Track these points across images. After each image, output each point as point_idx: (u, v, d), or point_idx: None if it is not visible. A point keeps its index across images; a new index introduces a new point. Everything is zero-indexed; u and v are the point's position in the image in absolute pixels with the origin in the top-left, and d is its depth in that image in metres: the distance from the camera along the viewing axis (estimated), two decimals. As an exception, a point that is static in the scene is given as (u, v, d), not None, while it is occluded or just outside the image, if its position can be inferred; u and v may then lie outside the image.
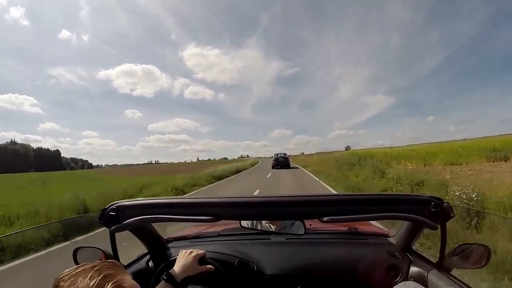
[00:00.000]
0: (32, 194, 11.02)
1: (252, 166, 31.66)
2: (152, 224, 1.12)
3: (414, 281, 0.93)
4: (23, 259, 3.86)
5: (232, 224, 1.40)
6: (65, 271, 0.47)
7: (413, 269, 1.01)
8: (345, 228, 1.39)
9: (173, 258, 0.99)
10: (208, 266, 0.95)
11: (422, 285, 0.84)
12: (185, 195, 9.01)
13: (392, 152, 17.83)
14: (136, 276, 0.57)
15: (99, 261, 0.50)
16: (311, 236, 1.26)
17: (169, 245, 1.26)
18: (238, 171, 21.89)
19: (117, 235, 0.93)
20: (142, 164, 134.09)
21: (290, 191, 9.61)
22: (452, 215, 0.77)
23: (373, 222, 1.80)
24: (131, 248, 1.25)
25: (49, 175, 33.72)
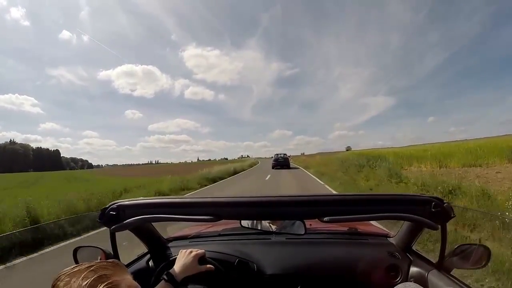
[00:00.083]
0: (7, 196, 9.38)
1: (251, 167, 30.46)
2: (152, 223, 1.12)
3: (414, 281, 0.93)
4: None
5: (232, 224, 1.40)
6: (63, 270, 0.47)
7: (413, 269, 1.01)
8: (345, 228, 1.39)
9: (173, 257, 0.99)
10: (208, 265, 0.95)
11: (422, 285, 0.84)
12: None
13: (403, 153, 15.98)
14: (136, 275, 0.57)
15: (99, 261, 0.50)
16: (311, 236, 1.26)
17: (169, 244, 1.26)
18: (235, 172, 20.63)
19: (116, 234, 0.93)
20: (142, 164, 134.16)
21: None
22: (452, 216, 0.77)
23: (373, 222, 1.80)
24: (131, 248, 1.25)
25: (43, 175, 33.53)
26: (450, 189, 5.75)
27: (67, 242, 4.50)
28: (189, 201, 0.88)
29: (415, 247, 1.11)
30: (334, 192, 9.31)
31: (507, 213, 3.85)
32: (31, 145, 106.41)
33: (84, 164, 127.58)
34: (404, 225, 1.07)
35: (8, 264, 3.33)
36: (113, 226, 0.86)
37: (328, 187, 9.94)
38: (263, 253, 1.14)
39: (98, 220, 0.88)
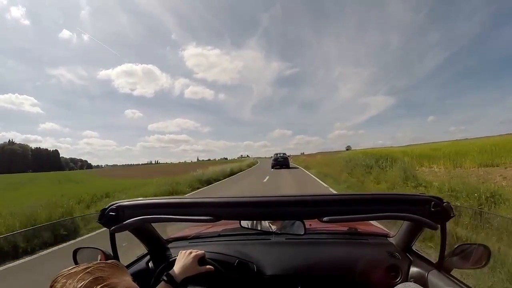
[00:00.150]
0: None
1: (250, 167, 29.25)
2: (152, 224, 1.12)
3: (414, 281, 0.93)
4: None
5: (232, 224, 1.40)
6: (61, 271, 0.47)
7: (413, 269, 1.01)
8: (345, 228, 1.39)
9: (173, 258, 0.99)
10: (208, 266, 0.94)
11: (422, 285, 0.84)
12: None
13: (412, 152, 14.42)
14: (136, 276, 0.57)
15: (97, 262, 0.49)
16: (311, 236, 1.26)
17: (169, 245, 1.26)
18: (231, 173, 19.37)
19: (116, 235, 0.92)
20: (142, 164, 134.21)
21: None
22: (452, 215, 0.77)
23: (373, 222, 1.80)
24: (131, 249, 1.24)
25: (38, 176, 33.16)
26: (488, 195, 4.74)
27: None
28: (189, 202, 0.88)
29: (415, 247, 1.11)
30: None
31: None
32: (30, 146, 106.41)
33: (83, 165, 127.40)
34: (404, 225, 1.07)
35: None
36: (113, 227, 0.86)
37: (333, 191, 8.55)
38: (263, 253, 1.14)
39: (98, 221, 0.87)
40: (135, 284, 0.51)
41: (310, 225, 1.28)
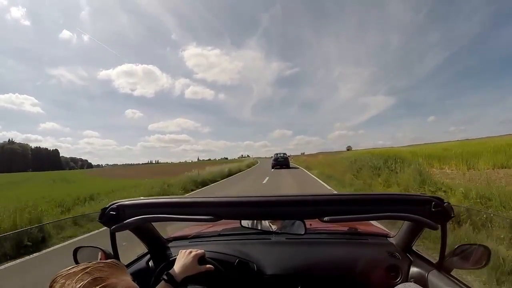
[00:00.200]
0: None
1: (249, 167, 28.50)
2: (152, 223, 1.12)
3: (415, 281, 0.93)
4: None
5: (232, 224, 1.40)
6: (60, 271, 0.47)
7: (413, 269, 1.01)
8: (345, 228, 1.39)
9: (173, 258, 0.99)
10: (208, 266, 0.94)
11: (422, 285, 0.84)
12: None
13: (421, 152, 13.28)
14: (136, 276, 0.57)
15: (97, 262, 0.49)
16: (311, 236, 1.26)
17: (169, 244, 1.26)
18: (230, 174, 18.47)
19: (116, 235, 0.92)
20: (142, 164, 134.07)
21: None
22: (452, 215, 0.77)
23: (373, 222, 1.80)
24: (132, 248, 1.24)
25: (35, 175, 32.78)
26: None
27: None
28: (189, 201, 0.88)
29: (415, 247, 1.11)
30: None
31: None
32: (30, 145, 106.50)
33: (83, 164, 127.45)
34: (404, 225, 1.07)
35: None
36: (113, 226, 0.86)
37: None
38: (263, 253, 1.14)
39: (98, 220, 0.87)
40: (134, 284, 0.51)
41: (311, 225, 1.28)
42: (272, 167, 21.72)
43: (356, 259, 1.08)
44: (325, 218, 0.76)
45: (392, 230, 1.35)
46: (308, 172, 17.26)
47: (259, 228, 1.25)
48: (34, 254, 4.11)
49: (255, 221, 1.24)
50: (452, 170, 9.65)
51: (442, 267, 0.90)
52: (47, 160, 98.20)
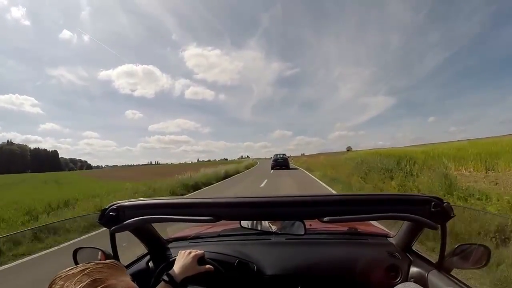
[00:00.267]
0: None
1: (247, 168, 27.22)
2: (152, 224, 1.12)
3: (414, 281, 0.93)
4: None
5: (232, 224, 1.40)
6: (60, 272, 0.46)
7: (413, 269, 1.01)
8: (345, 228, 1.39)
9: (173, 258, 0.99)
10: (207, 266, 0.94)
11: (422, 285, 0.84)
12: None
13: (433, 152, 11.67)
14: (136, 276, 0.57)
15: (96, 263, 0.48)
16: (311, 236, 1.26)
17: (169, 245, 1.26)
18: (226, 176, 17.22)
19: (116, 235, 0.92)
20: (142, 165, 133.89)
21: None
22: (452, 215, 0.77)
23: (373, 222, 1.80)
24: (132, 249, 1.24)
25: (33, 176, 32.29)
26: None
27: None
28: (189, 202, 0.88)
29: (415, 247, 1.11)
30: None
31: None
32: (29, 146, 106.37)
33: (83, 165, 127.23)
34: (404, 225, 1.07)
35: None
36: (113, 227, 0.86)
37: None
38: (263, 253, 1.14)
39: (98, 221, 0.87)
40: (134, 284, 0.50)
41: (310, 225, 1.28)
42: (272, 168, 21.76)
43: (356, 259, 1.08)
44: (325, 219, 0.76)
45: (392, 230, 1.35)
46: (310, 174, 16.35)
47: (259, 228, 1.25)
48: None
49: (255, 221, 1.24)
50: (470, 171, 8.52)
51: (442, 267, 0.90)
52: (46, 161, 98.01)
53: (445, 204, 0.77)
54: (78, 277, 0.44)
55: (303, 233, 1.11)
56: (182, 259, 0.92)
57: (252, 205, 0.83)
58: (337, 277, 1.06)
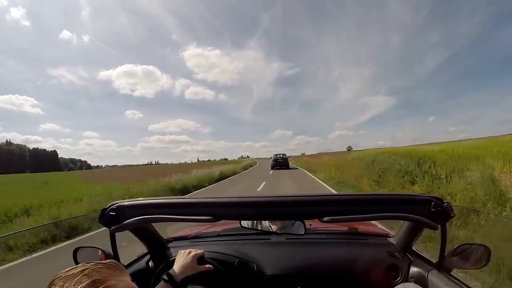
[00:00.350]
0: None
1: (245, 169, 25.89)
2: (152, 224, 1.12)
3: (414, 281, 0.93)
4: None
5: (232, 224, 1.40)
6: (59, 272, 0.46)
7: (413, 269, 1.01)
8: (345, 228, 1.39)
9: (173, 258, 0.99)
10: (207, 265, 0.94)
11: (422, 285, 0.84)
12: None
13: (453, 151, 9.29)
14: (135, 276, 0.57)
15: (95, 262, 0.48)
16: (311, 236, 1.26)
17: (169, 245, 1.26)
18: (221, 177, 15.92)
19: (116, 235, 0.92)
20: (142, 165, 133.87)
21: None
22: (452, 215, 0.77)
23: (373, 222, 1.80)
24: (132, 248, 1.24)
25: (28, 176, 31.79)
26: None
27: None
28: (189, 202, 0.88)
29: (415, 247, 1.11)
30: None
31: None
32: (28, 146, 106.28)
33: (83, 165, 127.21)
34: (404, 225, 1.08)
35: None
36: (113, 227, 0.86)
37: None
38: (263, 253, 1.14)
39: (98, 221, 0.87)
40: (134, 284, 0.50)
41: (310, 225, 1.28)
42: (272, 168, 21.78)
43: (356, 259, 1.08)
44: (325, 218, 0.76)
45: (392, 230, 1.35)
46: (313, 176, 15.17)
47: (259, 228, 1.25)
48: None
49: (254, 221, 1.24)
50: (499, 174, 7.05)
51: (442, 267, 0.90)
52: (45, 161, 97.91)
53: (445, 204, 0.77)
54: (78, 277, 0.44)
55: (303, 233, 1.11)
56: (182, 258, 0.92)
57: (252, 205, 0.83)
58: (337, 277, 1.06)
